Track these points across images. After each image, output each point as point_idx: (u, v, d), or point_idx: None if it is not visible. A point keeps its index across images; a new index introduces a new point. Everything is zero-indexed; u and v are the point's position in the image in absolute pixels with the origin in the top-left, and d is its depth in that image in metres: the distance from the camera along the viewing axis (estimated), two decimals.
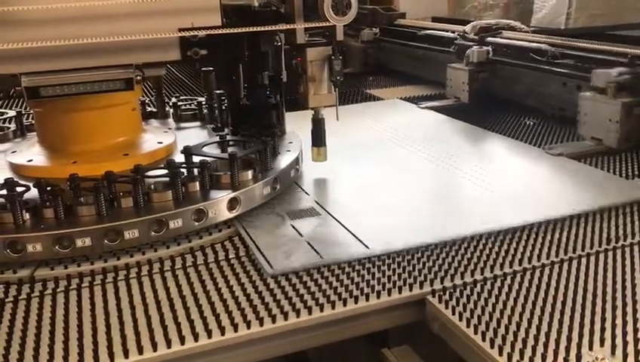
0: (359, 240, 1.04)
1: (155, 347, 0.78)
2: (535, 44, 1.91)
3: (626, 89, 1.48)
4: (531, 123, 1.79)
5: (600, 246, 1.01)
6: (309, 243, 1.04)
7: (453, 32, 2.28)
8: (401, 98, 2.18)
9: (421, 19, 3.00)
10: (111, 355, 0.77)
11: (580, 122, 1.57)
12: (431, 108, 1.99)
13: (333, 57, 1.23)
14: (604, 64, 1.61)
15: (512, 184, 1.30)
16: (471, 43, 2.09)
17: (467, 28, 2.17)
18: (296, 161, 1.30)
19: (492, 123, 1.82)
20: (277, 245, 1.03)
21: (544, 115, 1.83)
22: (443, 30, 2.40)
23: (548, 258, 0.97)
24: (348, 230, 1.08)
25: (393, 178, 1.36)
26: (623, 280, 0.90)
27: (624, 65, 1.55)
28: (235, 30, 1.12)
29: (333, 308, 0.85)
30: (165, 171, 1.10)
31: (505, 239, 1.04)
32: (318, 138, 1.35)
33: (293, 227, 1.11)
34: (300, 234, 1.07)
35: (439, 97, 2.16)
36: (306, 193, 1.28)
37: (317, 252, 1.00)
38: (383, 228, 1.09)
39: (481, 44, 2.06)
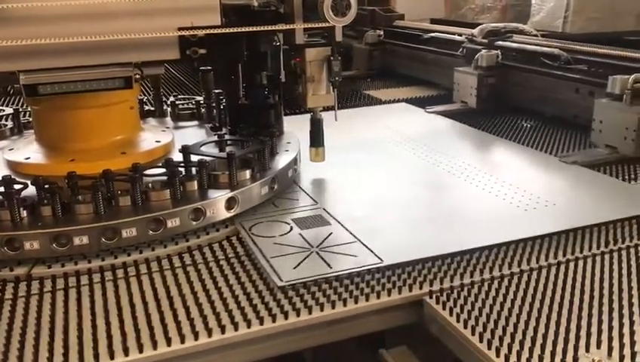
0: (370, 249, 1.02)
1: (154, 345, 0.78)
2: (547, 49, 1.87)
3: None
4: (528, 125, 1.78)
5: (598, 248, 1.02)
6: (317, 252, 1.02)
7: (460, 34, 2.25)
8: (402, 99, 2.18)
9: (418, 21, 3.00)
10: (111, 354, 0.76)
11: (594, 130, 1.54)
12: (438, 112, 1.97)
13: (332, 58, 1.24)
14: (618, 70, 1.58)
15: (524, 193, 1.25)
16: (479, 47, 2.05)
17: (475, 31, 2.13)
18: (295, 161, 1.30)
19: (501, 128, 1.80)
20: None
21: (556, 121, 1.80)
22: (449, 33, 2.37)
23: (546, 260, 0.98)
24: (359, 240, 1.05)
25: (398, 183, 1.35)
26: (620, 282, 0.90)
27: None
28: (235, 30, 1.12)
29: (330, 309, 0.85)
30: (163, 170, 1.10)
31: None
32: (317, 138, 1.35)
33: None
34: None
35: (438, 99, 2.14)
36: (315, 200, 1.24)
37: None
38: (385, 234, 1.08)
39: (490, 47, 2.02)
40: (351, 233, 1.07)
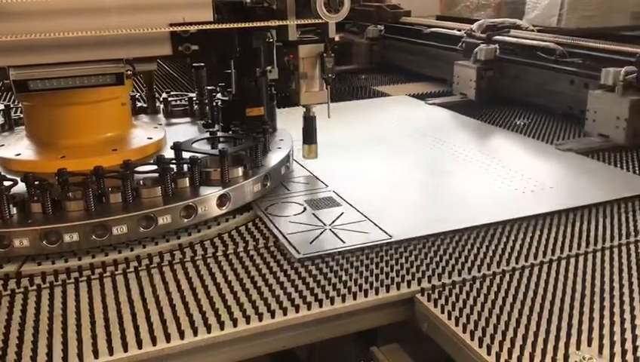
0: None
1: (154, 341, 0.78)
2: (543, 43, 1.94)
3: (633, 87, 1.53)
4: (522, 123, 1.81)
5: (589, 246, 1.02)
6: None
7: (459, 30, 2.31)
8: (406, 95, 2.22)
9: (424, 17, 3.00)
10: (95, 352, 0.76)
11: (588, 119, 1.62)
12: (438, 104, 2.04)
13: (325, 55, 1.23)
14: (611, 63, 1.64)
15: (521, 177, 1.33)
16: (478, 41, 2.13)
17: (474, 26, 2.20)
18: (287, 158, 1.30)
19: (499, 119, 1.87)
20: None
21: (551, 112, 1.87)
22: (449, 28, 2.42)
23: (537, 257, 0.98)
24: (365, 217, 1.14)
25: (399, 170, 1.42)
26: (611, 281, 0.91)
27: (632, 64, 1.57)
28: (227, 26, 1.12)
29: (321, 305, 0.85)
30: (155, 167, 1.10)
31: (493, 238, 1.05)
32: (310, 135, 1.34)
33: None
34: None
35: (443, 94, 2.18)
36: (325, 184, 1.31)
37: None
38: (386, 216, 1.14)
39: (489, 42, 2.09)
40: (361, 213, 1.14)
